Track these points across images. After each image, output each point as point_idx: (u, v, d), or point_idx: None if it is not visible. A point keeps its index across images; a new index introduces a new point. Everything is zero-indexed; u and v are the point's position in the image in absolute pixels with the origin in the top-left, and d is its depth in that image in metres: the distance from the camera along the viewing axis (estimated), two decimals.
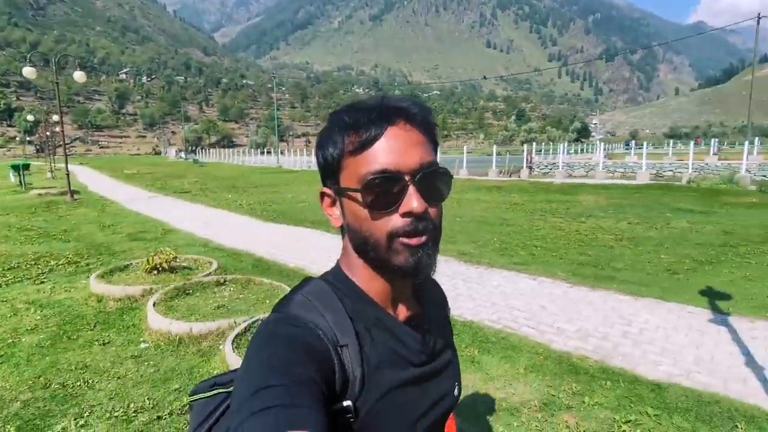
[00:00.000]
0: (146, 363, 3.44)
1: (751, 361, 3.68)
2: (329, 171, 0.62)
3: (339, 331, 0.58)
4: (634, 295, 5.13)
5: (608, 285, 5.54)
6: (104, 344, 3.77)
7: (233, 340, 3.38)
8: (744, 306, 4.79)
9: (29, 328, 4.12)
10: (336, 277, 0.66)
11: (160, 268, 5.01)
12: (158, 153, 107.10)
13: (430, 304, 0.73)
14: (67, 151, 15.37)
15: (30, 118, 48.63)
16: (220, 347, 3.53)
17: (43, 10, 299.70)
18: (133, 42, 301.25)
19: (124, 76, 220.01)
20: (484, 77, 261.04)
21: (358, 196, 0.59)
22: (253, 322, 3.72)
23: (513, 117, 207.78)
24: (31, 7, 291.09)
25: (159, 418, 2.78)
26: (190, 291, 4.59)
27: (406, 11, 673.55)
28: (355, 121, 0.59)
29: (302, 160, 37.21)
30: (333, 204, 0.65)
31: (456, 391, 0.72)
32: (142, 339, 3.83)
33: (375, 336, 0.61)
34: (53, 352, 3.65)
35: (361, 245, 0.62)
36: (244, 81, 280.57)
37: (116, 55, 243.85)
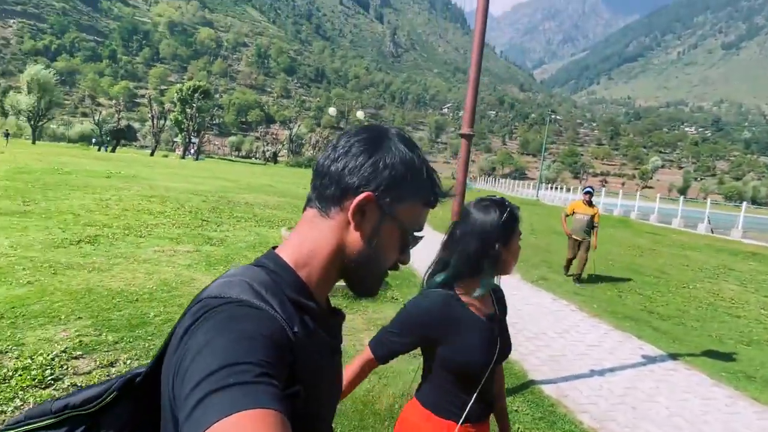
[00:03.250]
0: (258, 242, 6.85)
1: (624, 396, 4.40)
2: (392, 189, 0.65)
3: (287, 316, 0.59)
4: (608, 323, 5.61)
5: (617, 321, 5.99)
6: (258, 234, 7.40)
7: None
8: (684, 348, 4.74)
9: (237, 230, 8.23)
10: (277, 266, 0.65)
11: None
12: (454, 177, 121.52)
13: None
14: None
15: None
16: None
17: (400, 57, 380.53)
18: (460, 81, 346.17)
19: (446, 110, 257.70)
20: None
21: (408, 237, 0.68)
22: None
23: None
24: (392, 55, 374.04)
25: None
26: None
27: None
28: (439, 188, 0.71)
29: (566, 197, 36.40)
30: (362, 210, 0.65)
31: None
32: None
33: (313, 325, 0.63)
34: (235, 227, 7.50)
35: (365, 261, 0.66)
36: (552, 116, 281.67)
37: (444, 93, 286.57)
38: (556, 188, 41.93)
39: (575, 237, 8.14)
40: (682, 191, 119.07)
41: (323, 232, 0.66)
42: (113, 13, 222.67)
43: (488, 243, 1.30)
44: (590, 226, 8.08)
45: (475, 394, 1.31)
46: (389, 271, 0.70)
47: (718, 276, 10.37)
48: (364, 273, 0.68)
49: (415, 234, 0.68)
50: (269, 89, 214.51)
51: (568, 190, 39.81)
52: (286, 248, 0.68)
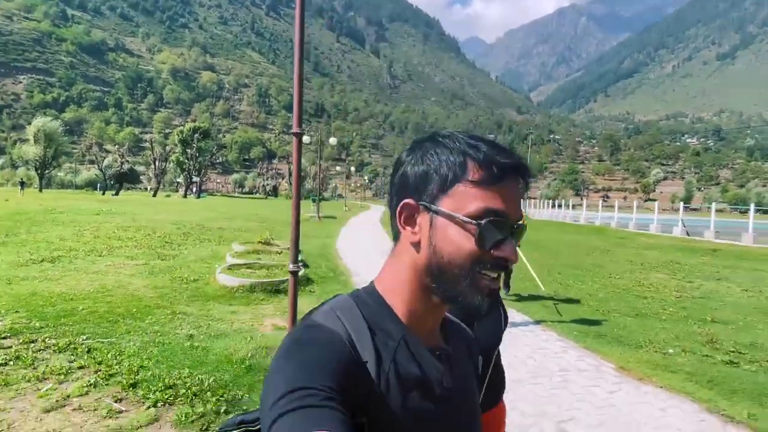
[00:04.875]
0: (209, 255, 7.63)
1: None
2: (426, 186, 0.62)
3: (360, 345, 0.59)
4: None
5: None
6: (213, 250, 8.19)
7: (229, 264, 7.15)
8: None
9: (195, 247, 9.04)
10: (368, 294, 0.66)
11: (263, 242, 9.36)
12: None
13: (456, 343, 0.73)
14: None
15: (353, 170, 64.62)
16: (225, 261, 7.41)
17: (397, 89, 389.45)
18: (458, 107, 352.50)
19: None
20: None
21: (469, 226, 0.59)
22: (247, 264, 7.38)
23: None
24: (390, 87, 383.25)
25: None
26: (260, 252, 8.66)
27: None
28: (491, 156, 0.60)
29: (567, 214, 36.66)
30: (412, 218, 0.63)
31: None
32: (228, 253, 8.10)
33: (397, 356, 0.61)
34: (196, 245, 8.30)
35: (437, 270, 0.61)
36: (552, 135, 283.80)
37: (442, 120, 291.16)
38: (558, 206, 43.07)
39: None
40: (685, 201, 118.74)
41: (397, 256, 0.66)
42: (118, 63, 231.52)
43: None
44: None
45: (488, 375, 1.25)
46: (487, 273, 0.61)
47: (654, 268, 10.94)
48: (446, 283, 0.61)
49: (482, 220, 0.59)
50: (270, 126, 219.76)
51: (568, 206, 41.02)
52: (380, 279, 0.68)
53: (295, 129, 4.08)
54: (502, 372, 1.50)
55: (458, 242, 0.60)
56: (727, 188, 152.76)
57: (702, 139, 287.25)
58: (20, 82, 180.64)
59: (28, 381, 3.46)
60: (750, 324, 6.17)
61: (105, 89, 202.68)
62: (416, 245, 0.63)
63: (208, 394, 3.30)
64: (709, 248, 16.13)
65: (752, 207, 19.38)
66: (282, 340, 0.60)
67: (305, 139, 21.34)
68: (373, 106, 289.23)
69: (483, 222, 0.59)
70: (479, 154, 0.61)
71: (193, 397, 3.25)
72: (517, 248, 0.71)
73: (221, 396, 3.28)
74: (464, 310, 0.64)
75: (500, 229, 0.60)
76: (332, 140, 22.66)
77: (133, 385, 3.42)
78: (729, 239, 19.35)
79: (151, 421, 2.97)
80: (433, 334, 0.68)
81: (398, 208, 0.63)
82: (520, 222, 0.62)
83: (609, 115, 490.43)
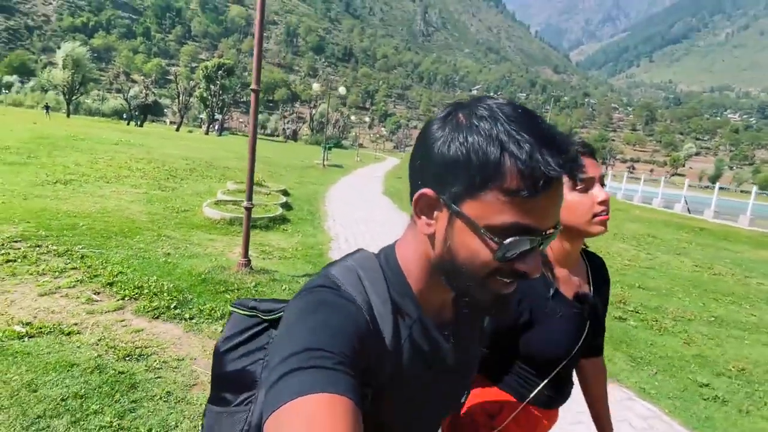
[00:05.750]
0: (205, 190, 8.54)
1: None
2: (451, 180, 0.53)
3: (380, 317, 0.59)
4: None
5: None
6: (210, 186, 9.11)
7: (217, 199, 8.02)
8: None
9: (196, 183, 9.95)
10: (389, 264, 0.64)
11: (256, 183, 10.19)
12: None
13: (464, 317, 0.71)
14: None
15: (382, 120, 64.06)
16: (216, 196, 8.31)
17: (430, 37, 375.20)
18: (492, 61, 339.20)
19: (475, 91, 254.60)
20: None
21: (489, 240, 0.52)
22: (234, 201, 8.25)
23: None
24: (422, 34, 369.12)
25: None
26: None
27: None
28: (536, 159, 0.49)
29: None
30: (430, 210, 0.57)
31: (463, 398, 0.76)
32: (220, 190, 9.00)
33: (412, 334, 0.61)
34: (197, 181, 9.22)
35: (449, 269, 0.57)
36: (587, 99, 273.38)
37: (474, 74, 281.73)
38: None
39: None
40: (713, 180, 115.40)
41: (413, 236, 0.62)
42: None
43: None
44: None
45: (548, 380, 1.14)
46: (506, 279, 0.55)
47: (624, 239, 11.48)
48: (459, 284, 0.58)
49: (507, 237, 0.51)
50: (297, 68, 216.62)
51: None
52: (400, 247, 0.65)
53: (253, 86, 4.76)
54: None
55: (475, 251, 0.54)
56: (760, 169, 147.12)
57: (745, 116, 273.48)
58: (50, 3, 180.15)
59: (31, 274, 4.41)
60: (672, 292, 6.82)
61: (134, 17, 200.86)
62: (431, 238, 0.58)
63: (165, 294, 4.21)
64: (697, 226, 16.43)
65: (754, 189, 19.33)
66: (299, 290, 0.60)
67: (315, 87, 21.76)
68: (402, 54, 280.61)
69: (508, 241, 0.52)
70: (521, 153, 0.50)
71: (153, 296, 4.17)
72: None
73: (174, 296, 4.19)
74: (478, 310, 0.63)
75: (527, 242, 0.53)
76: (341, 89, 22.84)
77: (110, 284, 4.35)
78: (727, 220, 19.49)
79: (117, 308, 3.90)
80: (444, 308, 0.67)
81: (416, 196, 0.57)
82: (555, 229, 0.54)
83: (650, 83, 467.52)
